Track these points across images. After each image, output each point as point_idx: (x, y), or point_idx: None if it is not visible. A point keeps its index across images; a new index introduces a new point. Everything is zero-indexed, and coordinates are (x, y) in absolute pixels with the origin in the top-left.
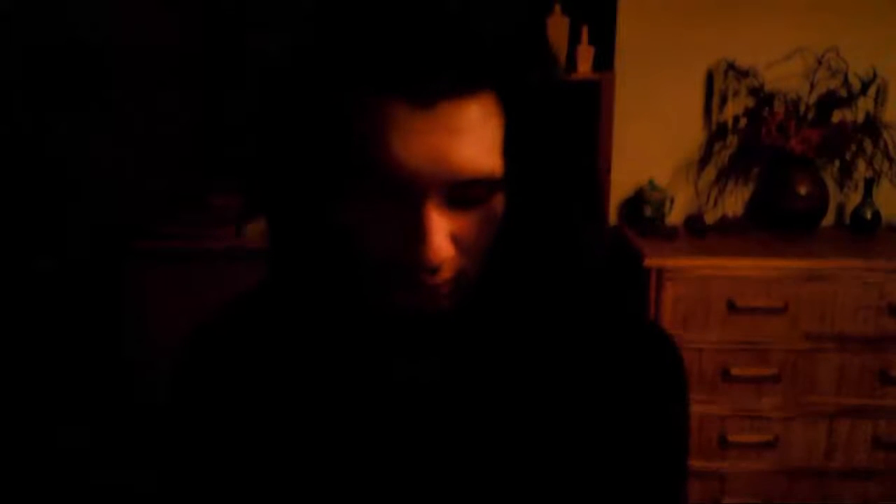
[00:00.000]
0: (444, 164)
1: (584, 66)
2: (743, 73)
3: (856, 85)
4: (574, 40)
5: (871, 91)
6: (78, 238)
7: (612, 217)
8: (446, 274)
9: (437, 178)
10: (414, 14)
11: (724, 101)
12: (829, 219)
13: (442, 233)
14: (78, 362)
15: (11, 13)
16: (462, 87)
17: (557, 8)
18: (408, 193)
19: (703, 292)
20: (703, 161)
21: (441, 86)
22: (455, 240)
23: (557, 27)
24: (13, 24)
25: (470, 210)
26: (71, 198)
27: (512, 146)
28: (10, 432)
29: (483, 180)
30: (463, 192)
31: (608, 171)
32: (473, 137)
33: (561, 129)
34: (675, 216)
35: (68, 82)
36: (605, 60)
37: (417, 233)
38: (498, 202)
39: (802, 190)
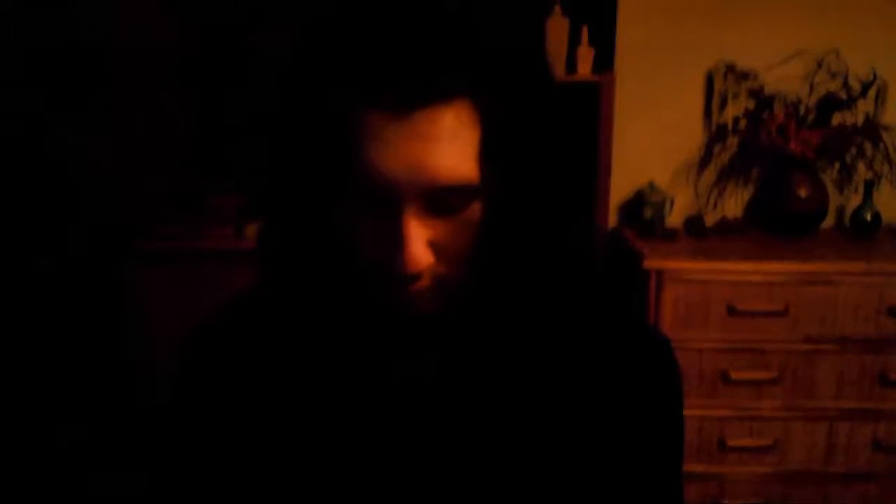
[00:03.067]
0: (420, 171)
1: (584, 68)
2: (743, 75)
3: (855, 87)
4: (574, 41)
5: (871, 93)
6: (78, 238)
7: (612, 219)
8: (426, 281)
9: (415, 185)
10: (388, 23)
11: (723, 102)
12: (828, 221)
13: (420, 241)
14: (78, 362)
15: (11, 13)
16: (436, 95)
17: (557, 9)
18: (386, 201)
19: (702, 294)
20: (703, 163)
21: (415, 94)
22: (434, 247)
23: (557, 28)
24: (13, 24)
25: (449, 217)
26: (71, 198)
27: (489, 153)
28: (10, 432)
29: (461, 187)
30: (441, 200)
31: (608, 172)
32: (450, 145)
33: (542, 132)
34: (674, 218)
35: (68, 82)
36: (605, 61)
37: (396, 241)
38: (477, 208)
39: (802, 192)
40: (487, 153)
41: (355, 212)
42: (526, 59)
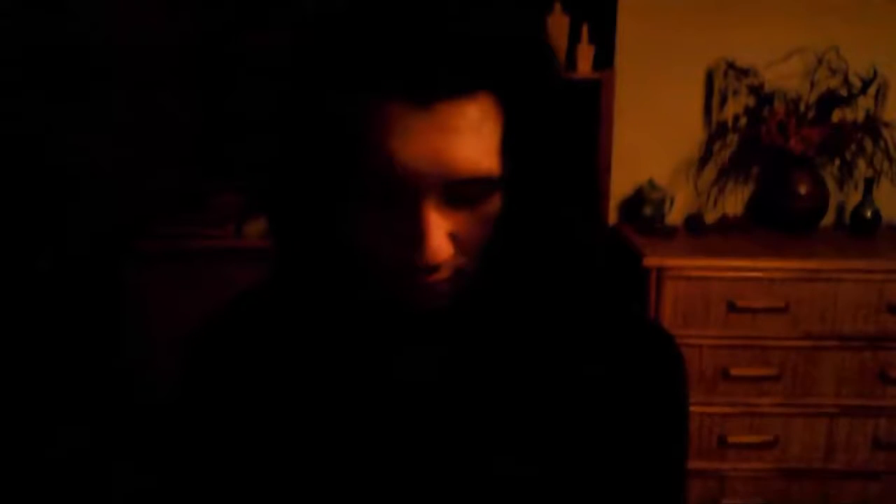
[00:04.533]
0: (442, 163)
1: (584, 65)
2: (743, 73)
3: (856, 84)
4: (574, 39)
5: (872, 90)
6: (78, 238)
7: (612, 216)
8: (445, 273)
9: (436, 177)
10: (411, 16)
11: (724, 100)
12: (829, 218)
13: (441, 232)
14: (78, 362)
15: (11, 13)
16: (460, 88)
17: (558, 6)
18: (407, 193)
19: (702, 292)
20: (703, 160)
21: (439, 87)
22: (454, 238)
23: (557, 26)
24: (13, 24)
25: (468, 209)
26: (71, 198)
27: (510, 146)
28: (10, 432)
29: (481, 180)
30: (461, 192)
31: (608, 170)
32: (471, 137)
33: (559, 128)
34: (674, 216)
35: (68, 82)
36: (605, 59)
37: (416, 232)
38: (495, 201)
39: (802, 189)
40: (508, 146)
41: (372, 205)
42: (541, 53)
